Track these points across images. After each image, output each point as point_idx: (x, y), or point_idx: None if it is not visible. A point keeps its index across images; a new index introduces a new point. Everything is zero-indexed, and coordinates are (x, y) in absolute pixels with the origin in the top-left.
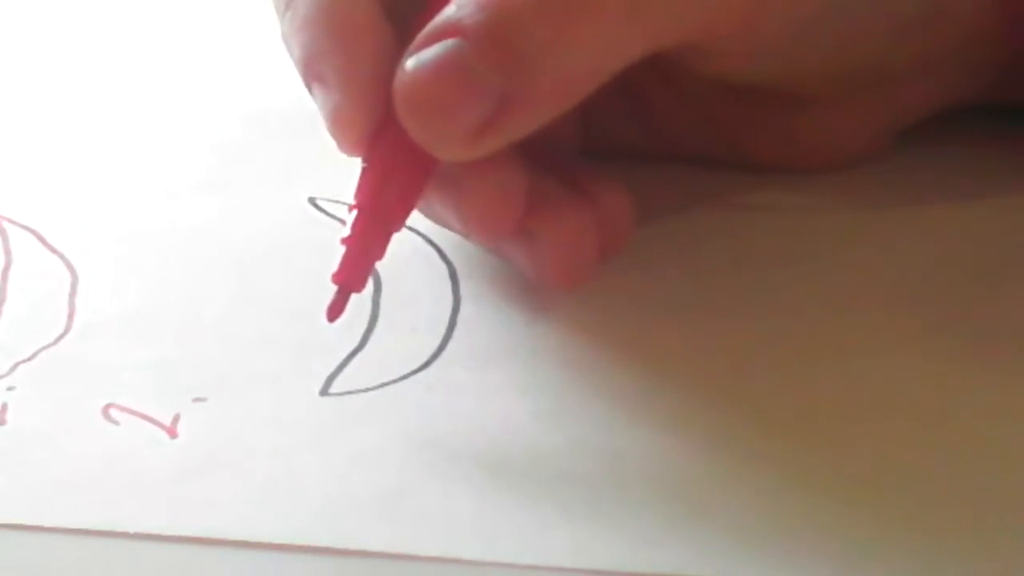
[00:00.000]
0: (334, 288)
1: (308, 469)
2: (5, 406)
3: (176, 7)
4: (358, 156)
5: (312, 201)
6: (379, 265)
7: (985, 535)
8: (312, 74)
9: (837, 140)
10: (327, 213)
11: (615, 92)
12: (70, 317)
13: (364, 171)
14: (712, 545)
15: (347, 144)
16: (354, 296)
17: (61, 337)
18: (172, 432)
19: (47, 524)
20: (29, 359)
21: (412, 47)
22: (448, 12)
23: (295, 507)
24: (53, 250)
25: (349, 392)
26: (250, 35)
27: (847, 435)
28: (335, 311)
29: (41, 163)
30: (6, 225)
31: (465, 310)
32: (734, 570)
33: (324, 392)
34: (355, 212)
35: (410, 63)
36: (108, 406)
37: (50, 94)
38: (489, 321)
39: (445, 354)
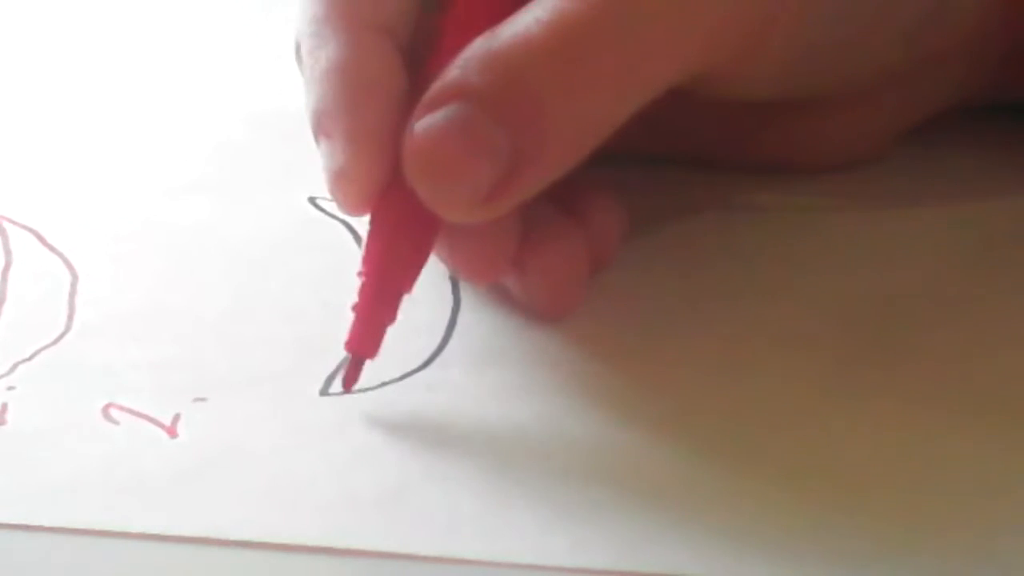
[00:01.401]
0: (335, 287)
1: (308, 469)
2: (5, 406)
3: (178, 8)
4: (358, 216)
5: (312, 201)
6: None
7: (985, 537)
8: (321, 130)
9: (841, 141)
10: (327, 213)
11: None
12: (70, 317)
13: (370, 236)
14: (712, 545)
15: (347, 205)
16: None
17: (61, 337)
18: (172, 432)
19: (47, 524)
20: (29, 359)
21: (419, 109)
22: (453, 73)
23: (295, 507)
24: (53, 250)
25: (349, 392)
26: (252, 36)
27: (847, 437)
28: (350, 380)
29: (41, 163)
30: (6, 225)
31: (465, 311)
32: (734, 570)
33: (324, 392)
34: (363, 279)
35: (418, 127)
36: (108, 406)
37: (50, 94)
38: (489, 322)
39: (445, 354)
